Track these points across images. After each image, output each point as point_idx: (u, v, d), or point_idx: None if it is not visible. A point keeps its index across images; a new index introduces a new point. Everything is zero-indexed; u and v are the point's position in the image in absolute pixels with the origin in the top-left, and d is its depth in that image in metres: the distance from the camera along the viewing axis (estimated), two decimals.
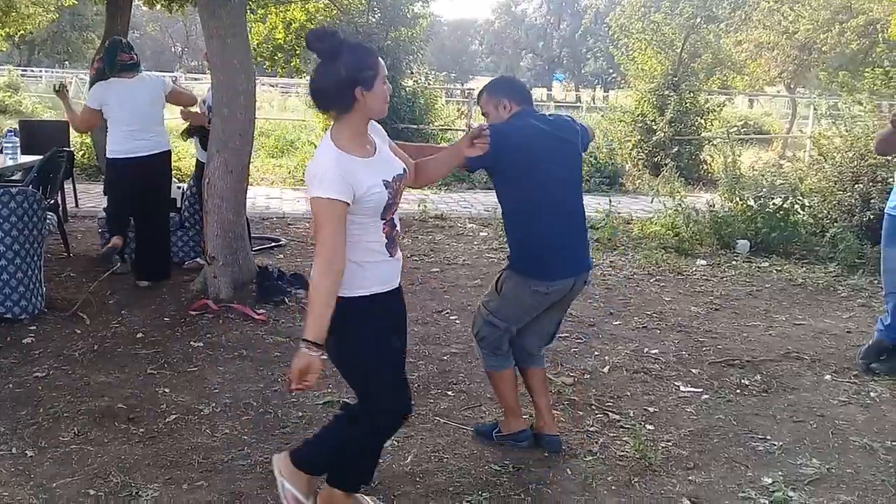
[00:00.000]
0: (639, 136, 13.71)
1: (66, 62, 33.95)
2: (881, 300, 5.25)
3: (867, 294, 6.34)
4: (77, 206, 8.51)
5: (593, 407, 3.96)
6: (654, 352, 4.82)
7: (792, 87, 21.63)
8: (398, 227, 2.59)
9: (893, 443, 3.66)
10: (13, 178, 7.11)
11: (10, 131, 7.39)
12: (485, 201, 9.96)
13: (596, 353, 4.77)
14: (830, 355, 4.86)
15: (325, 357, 2.41)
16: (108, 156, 5.59)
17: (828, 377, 4.50)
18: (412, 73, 14.32)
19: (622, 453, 3.47)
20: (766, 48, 19.67)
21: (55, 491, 2.98)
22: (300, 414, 3.73)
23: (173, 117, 10.01)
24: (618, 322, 5.41)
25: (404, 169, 2.58)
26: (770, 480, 3.26)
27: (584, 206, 3.38)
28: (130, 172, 5.46)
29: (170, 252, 6.01)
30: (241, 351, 4.51)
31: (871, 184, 7.73)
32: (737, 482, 3.26)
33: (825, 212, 8.14)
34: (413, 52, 14.27)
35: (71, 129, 8.74)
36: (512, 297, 3.28)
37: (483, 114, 3.40)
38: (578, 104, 29.59)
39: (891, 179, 7.37)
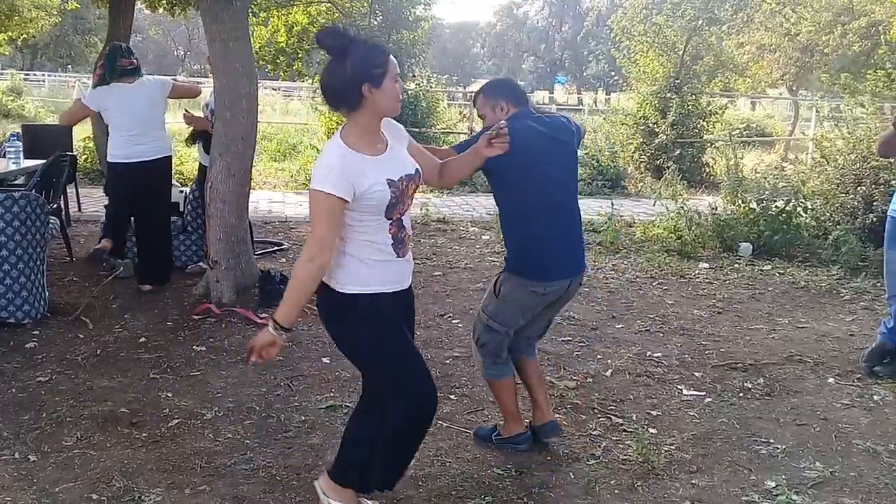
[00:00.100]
0: (641, 139, 13.72)
1: (69, 66, 34.00)
2: (884, 303, 5.26)
3: (870, 297, 6.33)
4: (80, 210, 8.53)
5: (596, 410, 3.96)
6: (656, 355, 4.82)
7: (794, 89, 21.62)
8: (407, 229, 2.57)
9: None
10: (16, 182, 7.12)
11: (14, 135, 7.40)
12: (487, 205, 9.96)
13: (598, 356, 4.77)
14: (833, 358, 4.86)
15: (285, 338, 2.45)
16: (108, 160, 5.62)
17: (831, 380, 4.50)
18: (414, 76, 14.35)
19: (625, 457, 3.46)
20: (768, 50, 19.66)
21: (58, 496, 2.98)
22: (303, 418, 3.73)
23: (176, 121, 10.04)
24: (620, 325, 5.41)
25: (416, 170, 2.55)
26: (773, 484, 3.26)
27: (581, 207, 3.39)
28: (131, 176, 5.48)
29: (171, 255, 6.02)
30: (243, 355, 4.47)
31: (873, 186, 7.72)
32: (740, 486, 3.25)
33: (828, 214, 8.13)
34: (415, 55, 14.31)
35: (74, 134, 8.77)
36: (510, 299, 3.28)
37: (480, 116, 3.40)
38: (580, 107, 29.55)
39: (893, 181, 7.38)
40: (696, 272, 7.05)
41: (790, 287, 6.63)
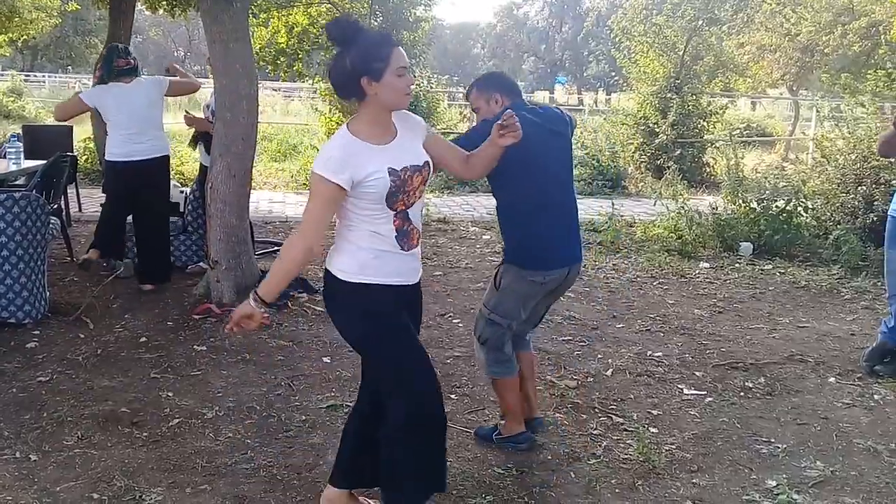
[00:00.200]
0: (641, 139, 13.72)
1: (70, 67, 34.03)
2: (885, 302, 5.25)
3: (871, 296, 6.33)
4: (80, 210, 8.53)
5: (596, 410, 3.96)
6: (657, 355, 4.82)
7: (794, 89, 21.61)
8: (414, 223, 2.53)
9: None
10: (17, 183, 7.12)
11: (14, 136, 7.40)
12: (487, 205, 9.96)
13: (599, 356, 4.76)
14: (834, 358, 4.86)
15: (267, 314, 2.46)
16: (106, 158, 5.65)
17: (832, 380, 4.50)
18: (415, 76, 14.33)
19: (626, 456, 3.46)
20: (769, 50, 19.65)
21: (59, 495, 2.98)
22: (303, 417, 3.73)
23: (176, 122, 10.04)
24: (621, 325, 5.41)
25: (426, 162, 2.53)
26: (774, 483, 3.26)
27: (582, 207, 3.40)
28: (129, 175, 5.50)
29: (169, 255, 6.02)
30: (244, 355, 4.51)
31: (874, 186, 7.72)
32: (741, 485, 3.25)
33: (828, 214, 8.13)
34: (415, 56, 14.28)
35: (74, 134, 8.77)
36: (510, 290, 3.29)
37: (473, 109, 3.41)
38: (581, 107, 29.54)
39: (894, 181, 7.38)
40: (697, 272, 7.05)
41: (791, 286, 6.63)
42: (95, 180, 10.40)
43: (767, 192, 8.21)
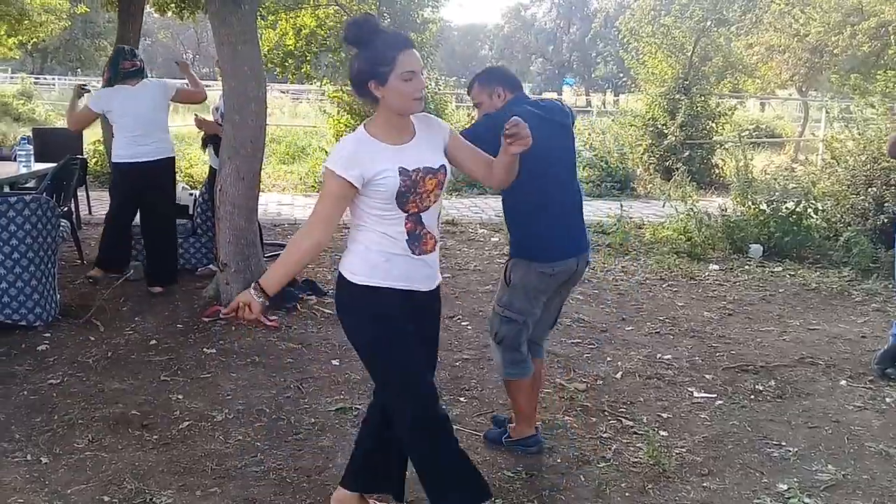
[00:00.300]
0: (650, 141, 13.69)
1: (79, 69, 34.16)
2: None
3: (882, 298, 6.30)
4: (90, 213, 8.56)
5: (606, 413, 3.95)
6: (667, 357, 4.81)
7: (804, 90, 21.54)
8: (429, 228, 2.49)
9: None
10: (27, 185, 7.16)
11: (24, 139, 7.44)
12: (496, 207, 9.95)
13: (609, 358, 4.75)
14: (845, 360, 4.83)
15: (266, 303, 2.43)
16: (113, 160, 5.70)
17: (843, 383, 4.47)
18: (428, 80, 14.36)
19: (636, 459, 3.45)
20: (777, 51, 19.58)
21: (70, 497, 2.99)
22: (313, 420, 3.73)
23: (185, 124, 10.06)
24: (630, 327, 5.39)
25: (442, 166, 2.49)
26: (785, 487, 3.24)
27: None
28: (134, 177, 5.54)
29: (176, 257, 6.03)
30: (253, 357, 4.52)
31: (884, 187, 7.68)
32: (751, 488, 3.24)
33: (838, 216, 8.09)
34: (423, 58, 14.30)
35: (84, 137, 8.81)
36: (521, 285, 3.28)
37: (475, 104, 3.40)
38: (589, 108, 29.53)
39: None
40: (707, 274, 7.03)
41: (801, 289, 6.60)
42: (105, 183, 10.42)
43: (777, 193, 8.18)
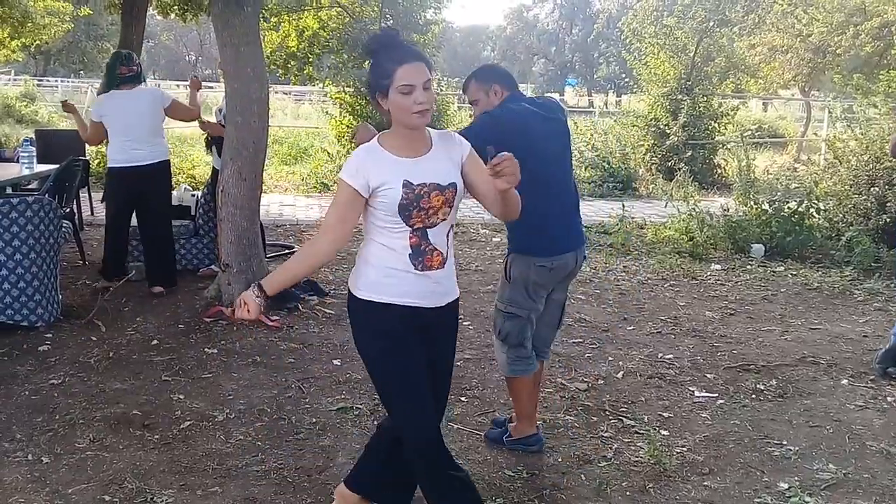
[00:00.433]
0: (652, 141, 13.69)
1: (82, 72, 34.21)
2: None
3: (883, 298, 6.29)
4: (92, 214, 8.58)
5: (607, 412, 3.95)
6: (668, 357, 4.80)
7: (806, 90, 21.51)
8: (435, 244, 2.44)
9: None
10: (30, 187, 7.17)
11: (27, 141, 7.45)
12: None
13: (610, 358, 4.75)
14: (847, 360, 4.83)
15: (264, 304, 2.44)
16: (108, 164, 5.72)
17: (844, 382, 4.47)
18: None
19: (637, 459, 3.45)
20: (780, 51, 19.56)
21: (71, 497, 3.00)
22: (314, 420, 3.73)
23: (188, 125, 10.08)
24: (632, 327, 5.39)
25: (452, 183, 2.43)
26: (786, 486, 3.24)
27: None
28: (130, 181, 5.56)
29: (174, 259, 6.03)
30: (254, 357, 4.52)
31: (886, 187, 7.68)
32: (752, 488, 3.23)
33: (840, 215, 8.09)
34: None
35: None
36: (521, 280, 3.29)
37: (471, 102, 3.39)
38: (591, 109, 29.52)
39: None
40: (708, 274, 7.02)
41: (803, 288, 6.60)
42: None
43: (779, 193, 8.18)
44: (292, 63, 12.38)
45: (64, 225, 5.35)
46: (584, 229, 3.48)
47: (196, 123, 6.26)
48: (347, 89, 12.67)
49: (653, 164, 13.61)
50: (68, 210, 6.38)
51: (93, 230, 7.90)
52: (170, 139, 14.51)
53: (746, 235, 7.86)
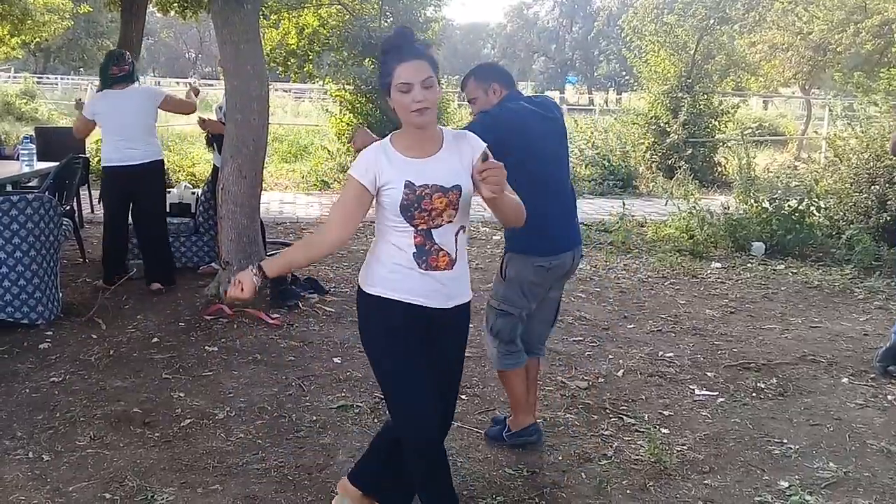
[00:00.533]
0: (652, 139, 13.68)
1: (82, 69, 34.18)
2: None
3: (884, 296, 6.29)
4: (93, 212, 8.57)
5: (608, 410, 3.95)
6: (668, 355, 4.80)
7: (807, 88, 21.50)
8: (440, 245, 2.42)
9: None
10: (30, 184, 7.17)
11: (27, 138, 7.45)
12: None
13: (610, 356, 4.75)
14: (847, 358, 4.83)
15: (259, 283, 2.46)
16: (102, 164, 5.70)
17: (844, 380, 4.47)
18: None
19: (637, 457, 3.45)
20: (781, 49, 19.54)
21: (71, 495, 3.00)
22: (314, 418, 3.73)
23: (188, 123, 10.07)
24: (632, 325, 5.39)
25: (456, 185, 2.40)
26: (786, 484, 3.24)
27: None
28: (123, 181, 5.56)
29: (171, 258, 6.03)
30: (255, 355, 4.52)
31: (887, 185, 7.67)
32: (753, 486, 3.23)
33: (841, 214, 8.09)
34: None
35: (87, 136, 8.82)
36: (517, 280, 3.30)
37: (470, 100, 3.39)
38: (591, 107, 29.51)
39: None
40: (709, 272, 7.02)
41: (803, 286, 6.60)
42: None
43: (779, 191, 8.18)
44: (292, 60, 12.37)
45: (64, 223, 5.35)
46: (580, 228, 3.48)
47: (196, 121, 6.26)
48: (347, 87, 12.66)
49: (653, 162, 13.61)
50: (68, 208, 6.38)
51: (93, 228, 7.89)
52: (170, 137, 14.60)
53: (747, 233, 7.86)
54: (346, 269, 6.58)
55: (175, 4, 9.23)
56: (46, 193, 5.34)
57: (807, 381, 4.43)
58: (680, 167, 12.16)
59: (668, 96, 13.62)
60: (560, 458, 3.44)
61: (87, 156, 8.86)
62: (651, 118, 13.80)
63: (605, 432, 3.71)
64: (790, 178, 9.01)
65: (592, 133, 14.25)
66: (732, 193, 9.08)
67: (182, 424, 3.62)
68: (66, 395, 3.89)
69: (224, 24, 5.28)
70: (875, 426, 3.85)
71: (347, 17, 12.38)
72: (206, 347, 4.64)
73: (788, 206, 7.90)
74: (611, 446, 3.55)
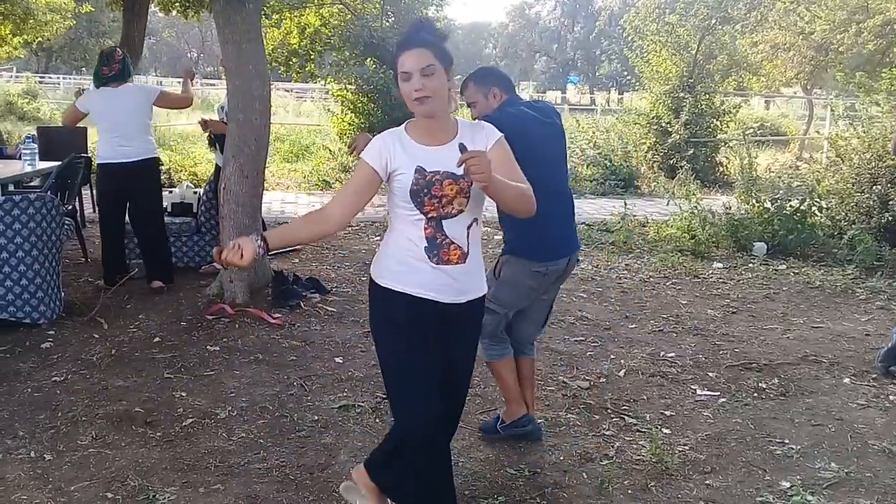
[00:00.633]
0: (654, 139, 13.68)
1: (83, 68, 34.20)
2: None
3: (886, 296, 6.28)
4: (94, 211, 8.54)
5: (609, 411, 3.95)
6: (670, 355, 4.80)
7: (808, 88, 21.49)
8: (451, 238, 2.43)
9: None
10: (32, 184, 7.18)
11: (29, 138, 7.45)
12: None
13: (612, 356, 4.75)
14: (849, 358, 4.82)
15: (262, 252, 2.45)
16: (97, 161, 5.71)
17: (846, 380, 4.47)
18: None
19: (638, 457, 3.45)
20: (782, 49, 19.53)
21: (73, 494, 3.00)
22: (316, 418, 3.74)
23: (190, 122, 10.08)
24: (633, 325, 5.39)
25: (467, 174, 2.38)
26: (788, 484, 3.24)
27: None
28: (118, 179, 5.55)
29: (170, 256, 6.02)
30: (257, 355, 4.52)
31: (889, 185, 7.66)
32: (754, 486, 3.23)
33: (843, 214, 8.08)
34: None
35: (88, 136, 8.84)
36: (511, 282, 3.31)
37: (470, 104, 3.39)
38: (593, 107, 29.50)
39: None
40: (710, 272, 7.02)
41: (805, 287, 6.59)
42: None
43: (781, 191, 8.18)
44: (294, 60, 12.40)
45: (66, 222, 5.36)
46: (578, 231, 3.48)
47: (197, 122, 6.26)
48: (349, 86, 12.67)
49: (655, 161, 13.61)
50: (70, 207, 6.39)
51: (95, 227, 7.87)
52: (172, 136, 14.61)
53: (748, 234, 7.86)
54: (347, 269, 6.59)
55: (177, 4, 9.24)
56: (48, 193, 5.34)
57: (808, 382, 4.43)
58: (681, 167, 12.17)
59: (670, 96, 13.62)
60: (561, 458, 3.44)
61: (89, 155, 8.87)
62: (653, 118, 13.79)
63: (607, 432, 3.71)
64: (792, 178, 9.00)
65: (594, 133, 14.25)
66: (734, 193, 9.07)
67: (184, 424, 3.62)
68: (67, 395, 3.89)
69: (226, 24, 5.28)
70: (877, 426, 3.85)
71: (349, 16, 12.41)
72: (208, 347, 4.64)
73: (790, 206, 7.90)
74: (612, 446, 3.55)
